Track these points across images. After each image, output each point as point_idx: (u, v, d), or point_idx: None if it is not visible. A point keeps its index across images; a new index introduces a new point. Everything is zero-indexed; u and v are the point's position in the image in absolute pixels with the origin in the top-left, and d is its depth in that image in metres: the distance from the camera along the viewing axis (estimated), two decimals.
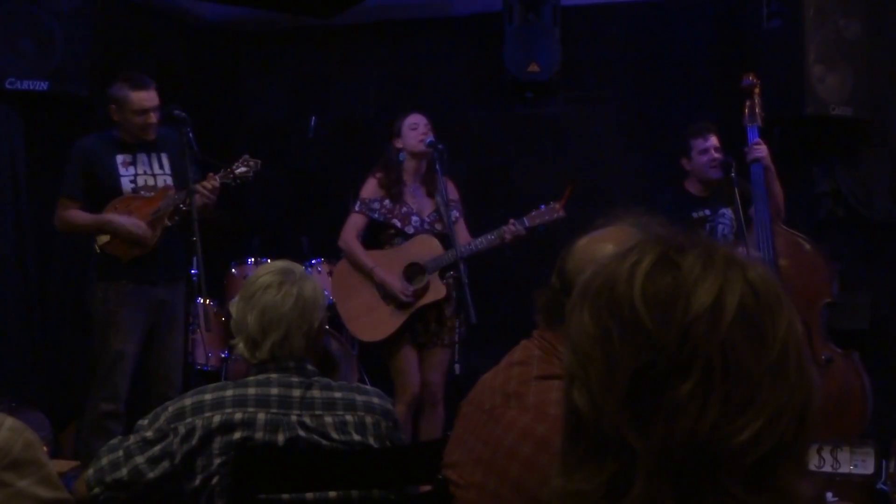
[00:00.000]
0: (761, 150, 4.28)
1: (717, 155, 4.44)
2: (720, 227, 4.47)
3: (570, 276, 1.66)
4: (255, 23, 6.11)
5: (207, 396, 2.12)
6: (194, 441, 2.08)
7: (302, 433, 2.12)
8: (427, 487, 2.15)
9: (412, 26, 5.98)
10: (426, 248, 4.37)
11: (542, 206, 4.34)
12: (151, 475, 2.09)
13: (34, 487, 1.61)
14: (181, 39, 5.98)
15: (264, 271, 2.26)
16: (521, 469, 1.60)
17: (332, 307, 4.44)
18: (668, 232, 0.97)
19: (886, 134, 5.01)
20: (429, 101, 5.19)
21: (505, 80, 5.52)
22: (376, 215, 4.40)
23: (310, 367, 2.23)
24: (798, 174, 4.99)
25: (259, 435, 2.09)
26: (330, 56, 6.07)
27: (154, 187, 4.15)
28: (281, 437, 2.10)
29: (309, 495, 2.13)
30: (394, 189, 4.39)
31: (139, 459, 2.10)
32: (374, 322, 4.34)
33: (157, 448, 2.10)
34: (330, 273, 4.81)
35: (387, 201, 4.40)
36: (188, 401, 2.13)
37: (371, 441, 2.19)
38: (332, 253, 4.83)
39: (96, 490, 2.11)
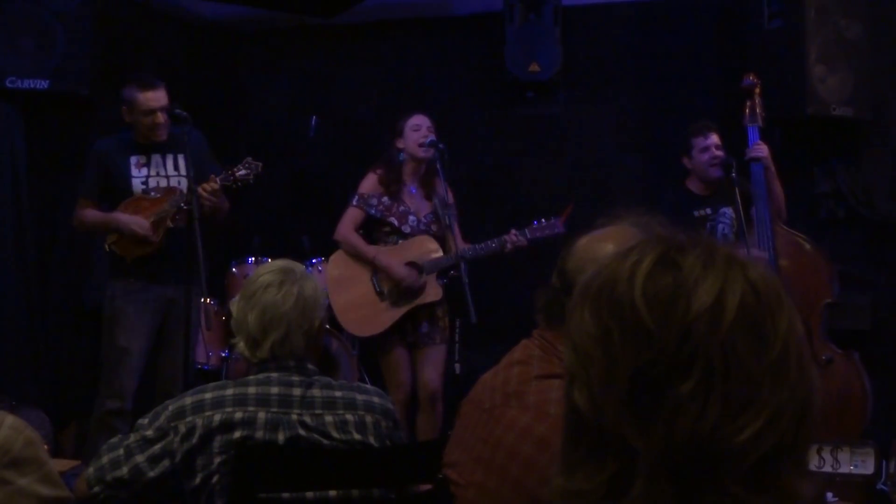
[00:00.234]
0: (762, 150, 4.28)
1: (718, 153, 4.44)
2: (721, 226, 4.47)
3: (571, 276, 1.66)
4: (255, 23, 6.11)
5: (208, 395, 2.13)
6: (195, 440, 2.08)
7: (302, 432, 2.12)
8: (427, 487, 2.16)
9: (412, 26, 5.98)
10: (425, 248, 4.37)
11: (544, 220, 4.36)
12: (152, 474, 2.09)
13: (35, 485, 1.61)
14: (181, 39, 5.98)
15: (265, 270, 2.26)
16: (522, 468, 1.60)
17: (331, 307, 4.43)
18: (668, 231, 0.97)
19: (887, 134, 5.01)
20: (429, 101, 5.19)
21: (506, 79, 5.52)
22: (373, 211, 4.40)
23: (310, 366, 2.23)
24: (799, 174, 5.00)
25: (259, 434, 2.09)
26: (330, 56, 6.07)
27: (166, 188, 4.19)
28: (281, 436, 2.11)
29: (309, 494, 2.13)
30: (393, 187, 4.39)
31: (139, 458, 2.10)
32: (366, 317, 4.34)
33: (157, 447, 2.10)
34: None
35: (385, 198, 4.40)
36: (189, 400, 2.13)
37: (371, 440, 2.19)
38: (332, 252, 4.82)
39: (97, 488, 2.11)
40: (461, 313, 4.31)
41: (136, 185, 4.17)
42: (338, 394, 2.20)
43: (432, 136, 4.37)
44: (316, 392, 2.17)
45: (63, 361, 5.04)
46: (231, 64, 6.24)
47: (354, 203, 4.42)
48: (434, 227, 4.44)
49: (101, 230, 4.22)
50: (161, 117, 4.13)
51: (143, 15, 5.62)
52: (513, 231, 4.34)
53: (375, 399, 2.25)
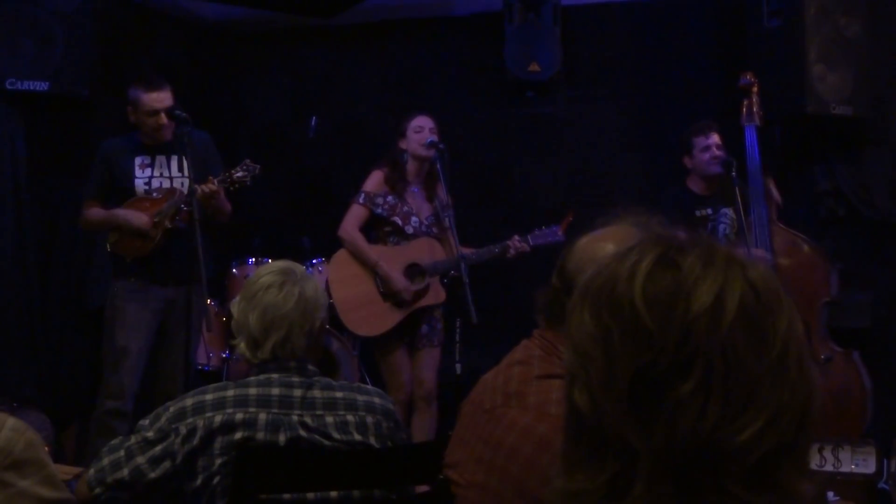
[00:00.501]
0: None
1: (718, 153, 4.46)
2: (721, 226, 4.48)
3: (571, 276, 1.66)
4: (255, 23, 6.11)
5: (209, 396, 2.13)
6: (195, 441, 2.08)
7: (303, 433, 2.12)
8: (428, 487, 2.16)
9: (412, 26, 5.98)
10: (429, 250, 4.38)
11: (544, 227, 4.38)
12: (153, 475, 2.09)
13: (36, 487, 1.61)
14: (181, 39, 5.98)
15: (265, 271, 2.26)
16: (522, 469, 1.60)
17: (332, 307, 4.43)
18: (668, 231, 0.97)
19: (887, 133, 5.01)
20: (429, 101, 5.19)
21: (505, 79, 5.52)
22: (379, 210, 4.40)
23: (311, 366, 2.23)
24: (798, 173, 5.00)
25: (260, 435, 2.09)
26: (330, 56, 6.07)
27: (168, 189, 4.20)
28: (282, 437, 2.11)
29: (310, 495, 2.13)
30: (398, 186, 4.40)
31: (140, 459, 2.10)
32: (369, 316, 4.34)
33: (158, 448, 2.10)
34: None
35: (390, 198, 4.40)
36: (189, 401, 2.13)
37: (372, 441, 2.19)
38: (333, 252, 4.82)
39: (98, 490, 2.11)
40: (462, 314, 4.32)
41: (139, 185, 4.18)
42: (339, 394, 2.20)
43: (433, 137, 4.37)
44: (317, 393, 2.17)
45: (63, 362, 5.04)
46: (231, 64, 6.24)
47: (360, 201, 4.42)
48: (435, 229, 4.45)
49: (104, 227, 4.24)
50: (164, 118, 4.14)
51: (143, 15, 5.62)
52: (516, 237, 4.38)
53: (376, 400, 2.25)
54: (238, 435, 2.08)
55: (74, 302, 5.07)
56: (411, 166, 4.45)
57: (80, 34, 4.73)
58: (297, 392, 2.16)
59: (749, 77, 4.37)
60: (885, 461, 3.72)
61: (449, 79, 5.85)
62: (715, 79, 5.41)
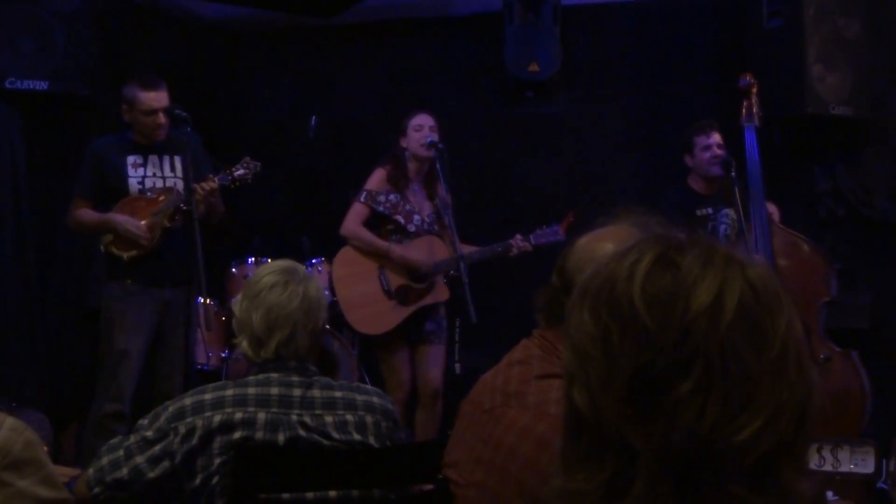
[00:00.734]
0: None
1: (719, 152, 4.46)
2: (722, 226, 4.48)
3: (571, 275, 1.66)
4: (255, 23, 6.11)
5: (207, 396, 2.12)
6: (194, 440, 2.08)
7: (302, 433, 2.12)
8: (427, 487, 2.16)
9: (412, 26, 5.98)
10: (433, 249, 4.38)
11: (545, 227, 4.39)
12: (152, 475, 2.09)
13: (34, 487, 1.61)
14: (181, 39, 5.98)
15: (268, 270, 2.26)
16: (522, 468, 1.60)
17: (332, 307, 4.43)
18: (667, 231, 0.97)
19: (886, 133, 5.01)
20: (429, 101, 5.19)
21: (505, 79, 5.53)
22: (381, 208, 4.40)
23: (310, 366, 2.23)
24: (798, 173, 5.00)
25: (259, 434, 2.09)
26: (330, 56, 6.07)
27: (162, 189, 4.18)
28: (281, 437, 2.10)
29: (309, 495, 2.13)
30: (400, 183, 4.40)
31: (139, 459, 2.10)
32: (374, 315, 4.35)
33: (157, 448, 2.10)
34: (330, 273, 4.80)
35: (392, 196, 4.41)
36: (188, 400, 2.13)
37: (371, 441, 2.19)
38: (333, 253, 4.82)
39: (97, 490, 2.11)
40: (461, 313, 4.32)
41: (133, 185, 4.15)
42: (338, 394, 2.20)
43: (432, 137, 4.37)
44: (316, 392, 2.17)
45: (63, 362, 5.04)
46: (231, 64, 6.24)
47: (362, 199, 4.42)
48: (436, 227, 4.45)
49: (97, 231, 4.19)
50: (162, 118, 4.11)
51: (143, 15, 5.62)
52: (518, 236, 4.37)
53: (375, 399, 2.25)
54: (237, 434, 2.08)
55: (74, 302, 5.07)
56: (412, 165, 4.45)
57: (80, 33, 4.73)
58: (297, 391, 2.15)
59: (749, 78, 4.37)
60: (884, 461, 3.72)
61: (449, 79, 5.86)
62: (714, 79, 5.42)
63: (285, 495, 2.11)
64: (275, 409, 2.12)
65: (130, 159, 4.16)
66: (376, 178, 4.43)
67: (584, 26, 5.66)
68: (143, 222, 4.07)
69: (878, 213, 4.98)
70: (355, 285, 4.37)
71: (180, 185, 4.16)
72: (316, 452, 2.13)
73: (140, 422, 2.17)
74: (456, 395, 2.90)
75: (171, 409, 2.13)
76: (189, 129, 4.03)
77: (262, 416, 2.11)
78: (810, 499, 0.89)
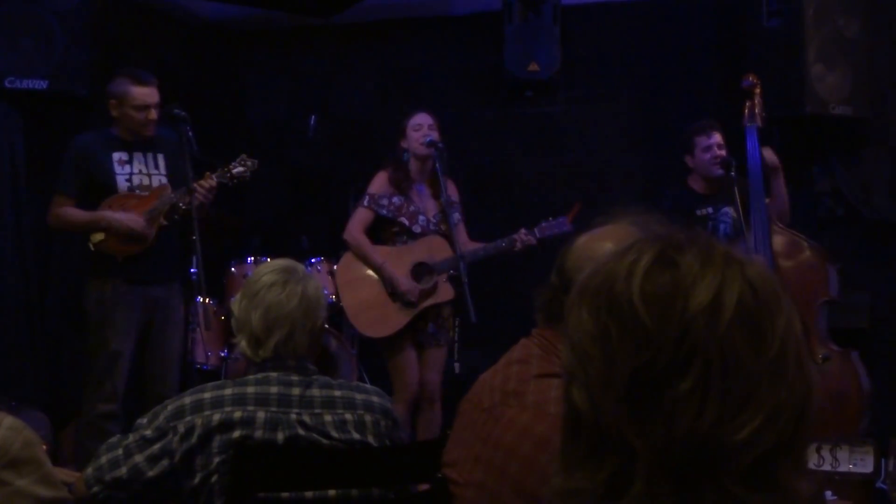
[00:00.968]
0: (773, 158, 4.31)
1: (720, 152, 4.46)
2: (722, 226, 4.48)
3: (570, 274, 1.66)
4: (255, 23, 6.11)
5: (207, 395, 2.12)
6: (193, 439, 2.08)
7: (301, 432, 2.12)
8: (426, 486, 2.15)
9: (412, 26, 5.98)
10: (435, 248, 4.38)
11: (552, 219, 4.38)
12: (151, 474, 2.09)
13: (33, 486, 1.61)
14: (181, 39, 5.98)
15: (267, 270, 2.25)
16: (521, 468, 1.60)
17: (332, 307, 4.43)
18: (666, 230, 0.97)
19: (886, 133, 5.01)
20: (428, 101, 5.19)
21: (505, 79, 5.53)
22: (384, 212, 4.39)
23: (310, 365, 2.23)
24: (798, 173, 4.99)
25: (258, 433, 2.09)
26: (329, 55, 6.07)
27: (149, 187, 4.13)
28: (280, 436, 2.10)
29: (308, 494, 2.13)
30: (403, 185, 4.40)
31: (138, 458, 2.10)
32: (379, 318, 4.34)
33: (156, 446, 2.10)
34: (330, 272, 4.81)
35: (395, 198, 4.40)
36: (187, 399, 2.13)
37: (370, 440, 2.19)
38: (332, 252, 4.82)
39: (95, 489, 2.11)
40: (461, 313, 4.32)
41: (121, 182, 4.08)
42: (337, 393, 2.20)
43: (431, 136, 4.37)
44: (315, 391, 2.17)
45: (63, 362, 5.03)
46: (231, 64, 6.24)
47: (365, 204, 4.41)
48: (442, 227, 4.45)
49: (87, 229, 4.07)
50: (154, 113, 4.06)
51: (142, 14, 5.61)
52: (522, 230, 4.36)
53: (374, 398, 2.25)
54: (236, 433, 2.08)
55: (74, 301, 5.06)
56: (414, 165, 4.45)
57: (80, 33, 4.72)
58: (296, 391, 2.15)
59: (752, 79, 4.37)
60: (883, 461, 3.72)
61: (448, 78, 5.86)
62: (714, 79, 5.42)
63: (284, 494, 2.11)
64: (274, 408, 2.12)
65: (116, 156, 4.09)
66: (378, 182, 4.42)
67: (584, 26, 5.66)
68: (141, 218, 4.05)
69: (878, 212, 4.98)
70: (360, 290, 4.37)
71: (165, 182, 4.13)
72: (315, 451, 2.13)
73: (139, 420, 2.17)
74: (455, 395, 2.90)
75: (170, 407, 2.13)
76: (187, 128, 4.01)
77: (261, 414, 2.10)
78: (809, 498, 0.89)
